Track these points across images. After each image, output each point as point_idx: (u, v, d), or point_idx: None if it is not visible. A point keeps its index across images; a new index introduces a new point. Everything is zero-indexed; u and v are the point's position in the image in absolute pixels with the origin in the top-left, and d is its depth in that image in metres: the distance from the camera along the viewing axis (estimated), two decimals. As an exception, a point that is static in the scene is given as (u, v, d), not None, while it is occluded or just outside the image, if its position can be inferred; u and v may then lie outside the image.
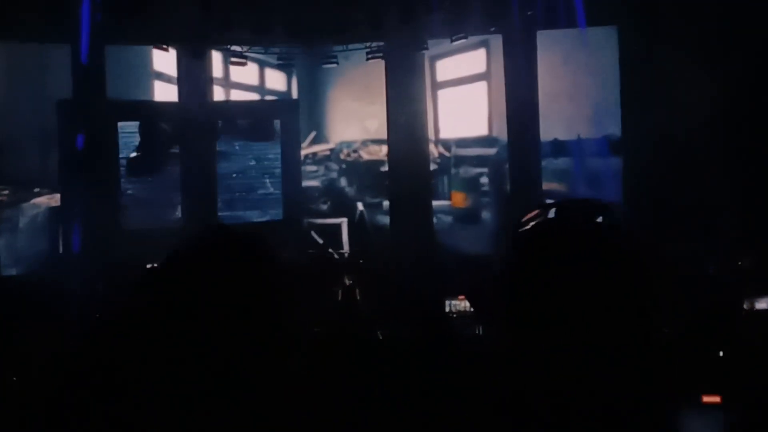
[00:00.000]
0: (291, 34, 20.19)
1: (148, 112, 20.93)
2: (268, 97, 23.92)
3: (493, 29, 20.46)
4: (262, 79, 23.30)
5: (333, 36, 20.60)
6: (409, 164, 20.76)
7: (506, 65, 20.29)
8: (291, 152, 21.89)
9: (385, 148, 22.70)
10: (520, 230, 1.92)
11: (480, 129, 21.96)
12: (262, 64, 21.93)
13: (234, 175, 21.33)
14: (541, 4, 19.48)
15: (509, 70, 20.17)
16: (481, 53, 21.87)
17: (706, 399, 4.54)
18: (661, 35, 17.83)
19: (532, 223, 1.93)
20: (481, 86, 22.05)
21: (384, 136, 22.28)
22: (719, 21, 17.22)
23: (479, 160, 22.06)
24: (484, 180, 22.03)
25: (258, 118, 21.89)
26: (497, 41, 20.84)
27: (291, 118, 22.18)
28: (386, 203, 22.03)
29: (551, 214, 1.98)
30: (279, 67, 22.49)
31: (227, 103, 23.16)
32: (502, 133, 21.18)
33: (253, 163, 21.55)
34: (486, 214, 21.48)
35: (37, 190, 19.17)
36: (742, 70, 16.51)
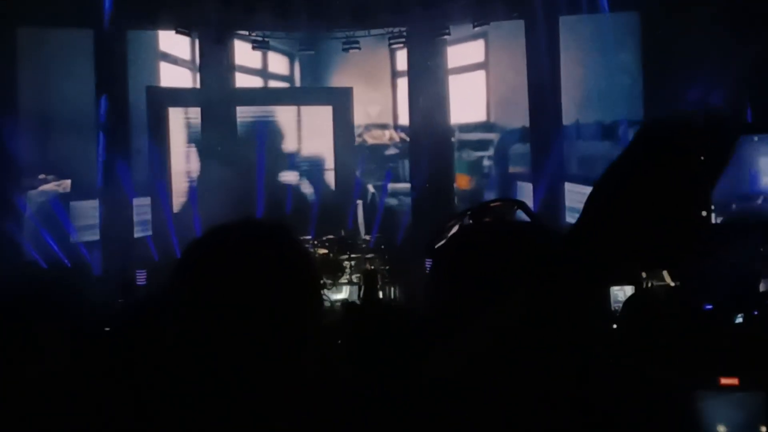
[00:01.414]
0: (314, 18, 20.20)
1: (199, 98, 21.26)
2: (273, 82, 23.84)
3: (515, 15, 20.41)
4: (265, 64, 23.24)
5: (356, 21, 20.60)
6: (432, 148, 20.79)
7: (528, 51, 20.24)
8: (343, 141, 22.08)
9: (388, 133, 22.81)
10: (437, 244, 1.86)
11: (479, 115, 22.44)
12: (255, 47, 21.88)
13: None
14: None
15: (531, 56, 20.11)
16: (480, 44, 22.27)
17: (724, 381, 4.53)
18: (685, 19, 17.69)
19: (449, 234, 1.87)
20: (480, 75, 22.48)
21: (387, 120, 22.50)
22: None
23: (480, 144, 22.42)
24: (486, 163, 22.44)
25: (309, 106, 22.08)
26: (495, 33, 21.28)
27: (344, 106, 22.32)
28: (391, 186, 22.13)
29: (466, 221, 1.93)
30: (301, 51, 22.53)
31: (281, 90, 23.23)
32: (499, 119, 21.99)
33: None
34: (488, 195, 21.53)
35: (42, 176, 19.16)
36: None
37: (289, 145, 22.07)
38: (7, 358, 2.29)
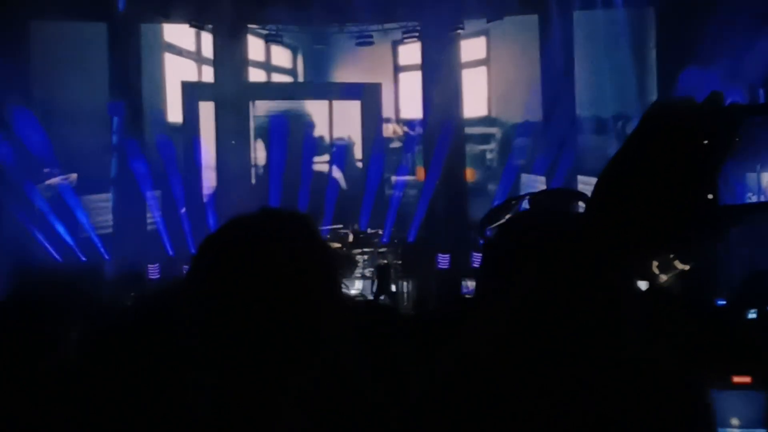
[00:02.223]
0: (327, 12, 20.19)
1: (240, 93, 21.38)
2: (276, 76, 23.87)
3: (529, 10, 20.43)
4: (269, 57, 23.26)
5: (370, 15, 20.59)
6: (446, 142, 20.81)
7: (542, 46, 20.24)
8: (371, 136, 22.15)
9: (391, 127, 22.94)
10: (492, 225, 1.83)
11: (480, 110, 22.69)
12: (268, 40, 21.92)
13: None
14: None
15: (545, 51, 20.11)
16: (482, 41, 22.50)
17: (737, 379, 4.51)
18: (699, 15, 17.64)
19: (505, 217, 1.84)
20: (482, 71, 22.73)
21: (389, 115, 22.76)
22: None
23: (483, 138, 22.70)
24: (489, 156, 22.78)
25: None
26: (496, 30, 21.46)
27: (373, 102, 22.38)
28: (394, 178, 22.19)
29: (524, 205, 1.89)
30: (314, 46, 22.59)
31: (309, 85, 23.29)
32: (500, 113, 22.36)
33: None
34: (492, 187, 21.85)
35: (47, 170, 19.17)
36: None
37: (318, 138, 22.15)
38: (19, 353, 2.28)
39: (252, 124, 21.63)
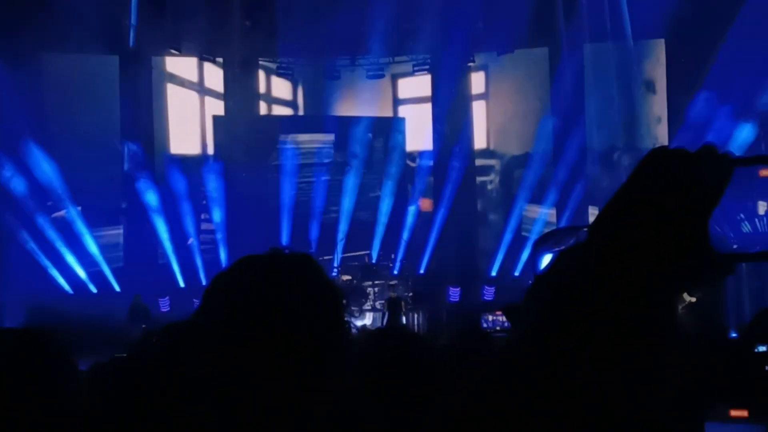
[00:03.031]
0: (340, 45, 20.31)
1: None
2: (277, 108, 23.90)
3: (540, 43, 20.57)
4: (269, 88, 23.32)
5: (382, 48, 20.68)
6: (456, 173, 20.93)
7: (552, 78, 20.33)
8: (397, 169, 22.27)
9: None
10: (548, 248, 1.82)
11: (480, 142, 22.97)
12: (269, 73, 22.05)
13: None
14: (587, 18, 19.51)
15: (556, 83, 20.18)
16: (481, 76, 22.79)
17: (734, 413, 4.51)
18: (710, 47, 17.71)
19: (559, 246, 1.82)
20: (481, 104, 23.03)
21: None
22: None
23: (483, 170, 22.95)
24: (490, 187, 23.08)
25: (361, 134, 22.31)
26: (495, 65, 21.80)
27: (396, 137, 22.62)
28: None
29: (582, 236, 1.88)
30: (327, 78, 22.67)
31: (336, 119, 23.38)
32: (498, 146, 22.75)
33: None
34: (493, 217, 22.31)
35: (49, 203, 19.18)
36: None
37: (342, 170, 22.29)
38: (26, 390, 2.29)
39: (277, 156, 21.71)
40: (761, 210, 15.46)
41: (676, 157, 0.92)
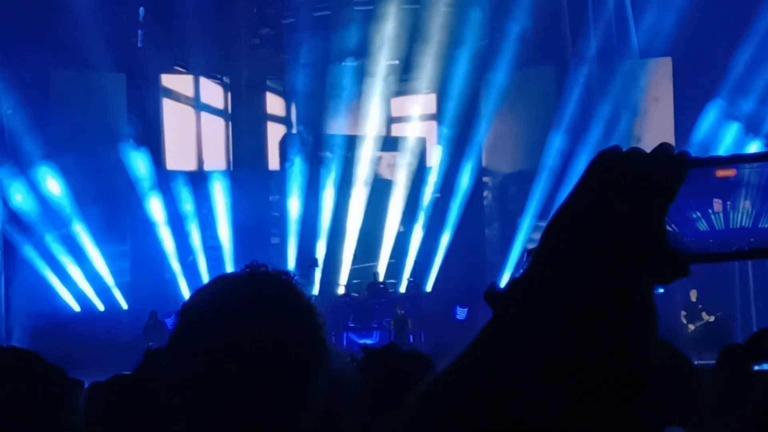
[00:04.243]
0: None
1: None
2: (272, 125, 23.95)
3: (547, 61, 20.66)
4: (264, 106, 23.33)
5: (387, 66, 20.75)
6: (464, 194, 20.96)
7: (560, 96, 20.36)
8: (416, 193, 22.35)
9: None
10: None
11: (487, 160, 22.92)
12: (291, 95, 22.09)
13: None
14: (594, 38, 19.54)
15: (563, 102, 20.20)
16: (486, 92, 22.33)
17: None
18: (717, 65, 17.73)
19: None
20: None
21: None
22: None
23: (490, 187, 22.98)
24: (497, 204, 22.89)
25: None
26: (503, 82, 21.34)
27: (420, 153, 22.69)
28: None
29: None
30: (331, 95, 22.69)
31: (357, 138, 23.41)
32: (490, 164, 22.67)
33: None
34: (488, 232, 22.41)
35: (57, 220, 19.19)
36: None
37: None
38: (27, 410, 2.29)
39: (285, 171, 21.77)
40: (717, 207, 15.47)
41: (628, 157, 0.92)
